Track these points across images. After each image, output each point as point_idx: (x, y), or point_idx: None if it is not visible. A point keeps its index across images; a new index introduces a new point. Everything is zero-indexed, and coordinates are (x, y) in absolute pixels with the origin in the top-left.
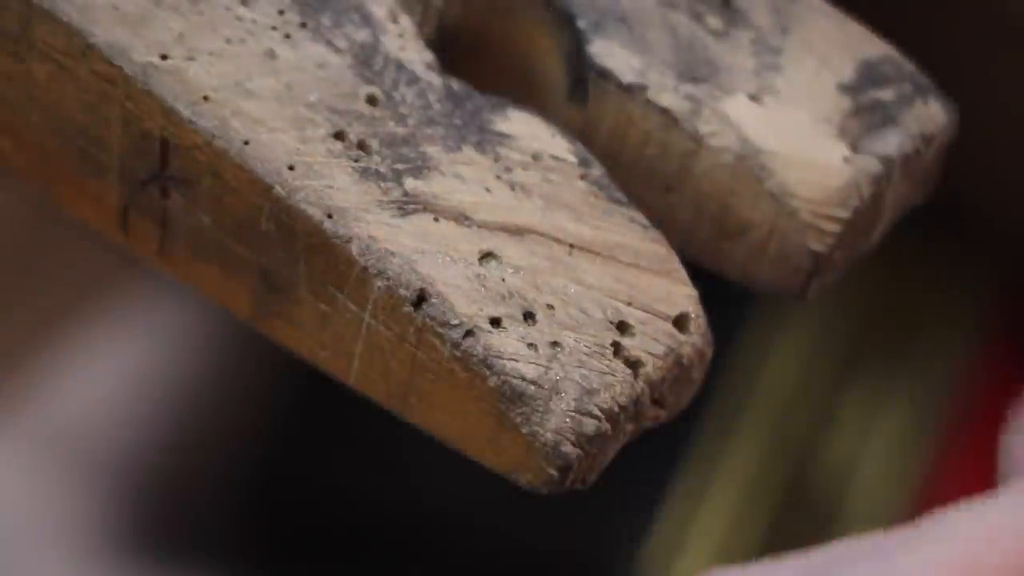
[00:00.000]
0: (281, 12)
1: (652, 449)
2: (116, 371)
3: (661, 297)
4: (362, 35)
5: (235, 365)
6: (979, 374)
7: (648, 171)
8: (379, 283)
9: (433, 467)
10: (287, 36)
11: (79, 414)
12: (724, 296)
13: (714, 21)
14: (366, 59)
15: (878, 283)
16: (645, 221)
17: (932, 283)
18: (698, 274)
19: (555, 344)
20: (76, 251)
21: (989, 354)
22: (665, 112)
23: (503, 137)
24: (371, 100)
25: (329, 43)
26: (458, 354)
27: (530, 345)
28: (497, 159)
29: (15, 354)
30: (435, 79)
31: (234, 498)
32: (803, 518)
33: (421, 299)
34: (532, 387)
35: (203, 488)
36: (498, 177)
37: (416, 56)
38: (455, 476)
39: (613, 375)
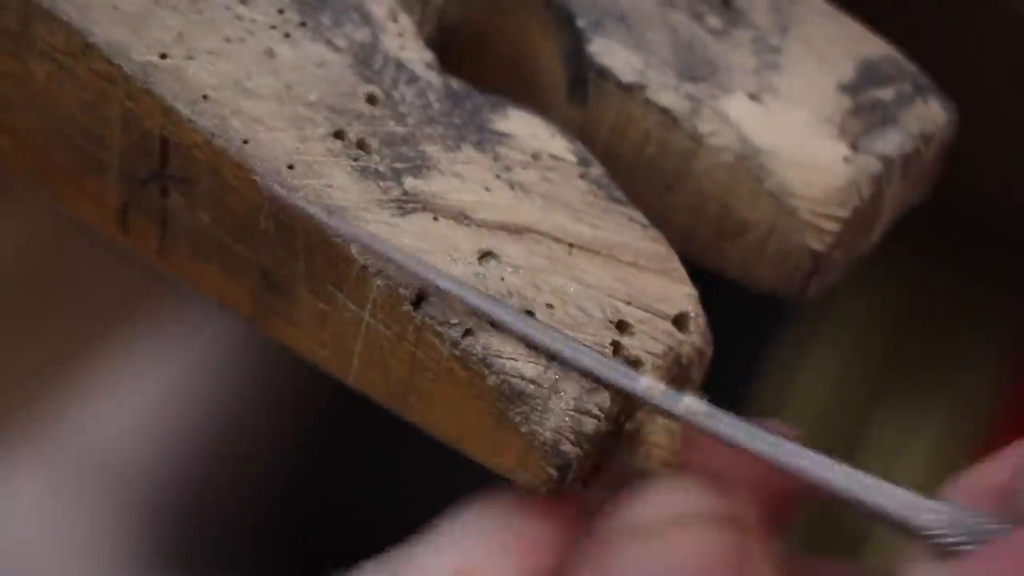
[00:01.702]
0: (281, 11)
1: None
2: (144, 394)
3: (660, 296)
4: (362, 34)
5: (261, 388)
6: (1015, 389)
7: (648, 170)
8: (379, 282)
9: (461, 487)
10: (287, 35)
11: (108, 436)
12: (756, 312)
13: (714, 20)
14: (366, 58)
15: (911, 298)
16: (644, 220)
17: (964, 299)
18: (727, 288)
19: None
20: (106, 274)
21: (1022, 369)
22: (665, 111)
23: (503, 136)
24: (371, 99)
25: (329, 42)
26: (457, 353)
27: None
28: (497, 158)
29: (45, 377)
30: (435, 78)
31: (261, 519)
32: (835, 535)
33: (420, 298)
34: (531, 386)
35: (229, 510)
36: (498, 176)
37: (416, 55)
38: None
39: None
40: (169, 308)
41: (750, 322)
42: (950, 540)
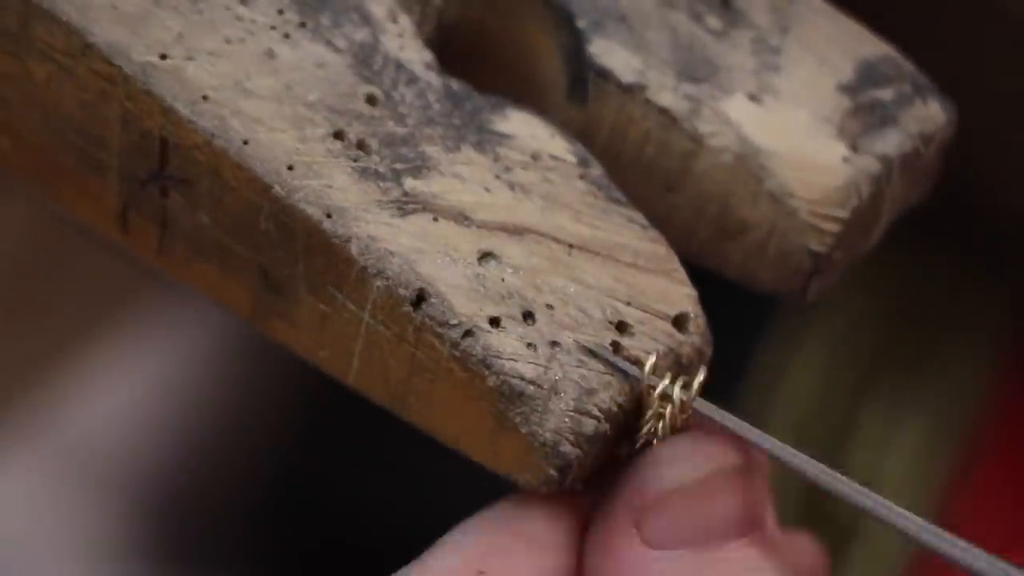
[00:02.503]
0: (280, 12)
1: None
2: (135, 387)
3: (660, 297)
4: (361, 35)
5: (254, 382)
6: (1001, 385)
7: (648, 171)
8: (378, 283)
9: (451, 483)
10: (286, 36)
11: (98, 429)
12: (743, 308)
13: (714, 21)
14: (365, 59)
15: (899, 293)
16: (644, 221)
17: (954, 293)
18: (720, 286)
19: (554, 344)
20: (97, 266)
21: (1012, 365)
22: (665, 112)
23: (502, 137)
24: (370, 100)
25: (328, 43)
26: (457, 354)
27: (529, 345)
28: (496, 159)
29: (34, 371)
30: (434, 79)
31: (251, 513)
32: (822, 531)
33: (420, 299)
34: (531, 387)
35: (220, 503)
36: (497, 177)
37: (415, 56)
38: (474, 492)
39: (612, 375)
40: (158, 303)
41: (739, 314)
42: None
